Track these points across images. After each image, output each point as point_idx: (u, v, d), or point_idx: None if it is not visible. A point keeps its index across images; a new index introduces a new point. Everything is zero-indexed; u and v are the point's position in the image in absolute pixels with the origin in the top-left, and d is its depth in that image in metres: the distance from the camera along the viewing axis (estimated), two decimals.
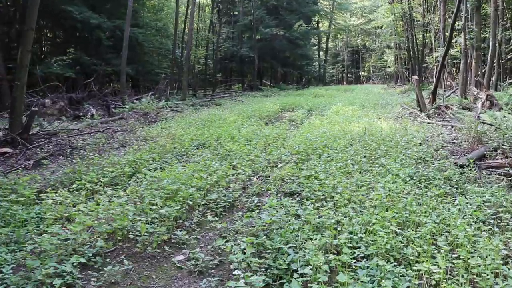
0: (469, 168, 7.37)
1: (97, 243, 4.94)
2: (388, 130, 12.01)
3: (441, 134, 12.00)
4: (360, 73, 79.82)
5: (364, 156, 8.75)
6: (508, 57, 23.72)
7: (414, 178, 6.98)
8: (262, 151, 10.58)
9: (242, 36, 47.19)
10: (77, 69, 25.31)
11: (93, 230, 5.32)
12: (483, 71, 22.27)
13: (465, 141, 10.18)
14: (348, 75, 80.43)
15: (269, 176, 8.26)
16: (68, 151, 11.24)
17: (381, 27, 54.24)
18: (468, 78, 19.21)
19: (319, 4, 60.86)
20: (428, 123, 14.07)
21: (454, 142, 10.36)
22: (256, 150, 10.47)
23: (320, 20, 70.26)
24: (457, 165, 7.56)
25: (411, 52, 39.16)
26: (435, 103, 17.29)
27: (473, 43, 17.60)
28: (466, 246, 4.29)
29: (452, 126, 13.24)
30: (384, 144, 9.61)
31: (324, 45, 73.49)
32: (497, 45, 18.26)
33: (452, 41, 16.96)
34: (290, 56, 48.75)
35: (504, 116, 13.10)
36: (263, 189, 7.63)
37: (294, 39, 46.79)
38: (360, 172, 7.71)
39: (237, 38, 47.09)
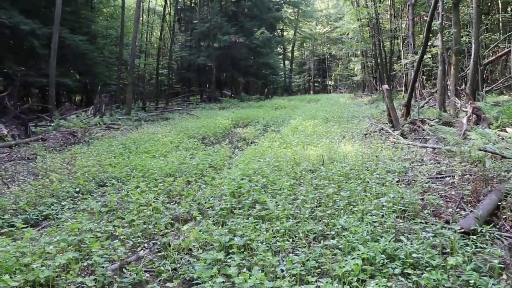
0: (485, 239, 4.48)
1: None
2: (354, 157, 9.10)
3: (422, 161, 9.15)
4: (327, 82, 77.56)
5: (313, 210, 5.78)
6: (485, 62, 21.30)
7: (394, 262, 4.05)
8: (178, 194, 7.55)
9: (200, 44, 44.02)
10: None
11: None
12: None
13: (459, 176, 7.29)
14: (315, 84, 78.03)
15: (169, 245, 5.23)
16: None
17: (347, 34, 51.97)
18: (446, 87, 16.57)
19: (283, 11, 58.23)
20: (404, 143, 11.24)
21: (443, 177, 7.47)
22: (164, 194, 7.47)
23: (284, 28, 67.89)
24: (462, 233, 4.63)
25: (379, 60, 36.74)
26: (409, 117, 14.55)
27: (451, 46, 14.98)
28: None
29: (433, 149, 10.44)
30: (347, 185, 6.64)
31: (289, 54, 71.04)
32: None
33: (428, 43, 14.26)
34: (252, 65, 45.71)
35: (499, 135, 10.38)
36: (151, 271, 4.66)
37: (255, 47, 43.82)
38: (305, 246, 4.75)
39: (195, 46, 43.92)
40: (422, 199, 6.16)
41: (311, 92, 72.42)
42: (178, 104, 37.45)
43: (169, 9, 44.98)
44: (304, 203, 5.97)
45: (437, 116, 14.25)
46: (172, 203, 6.96)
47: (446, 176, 7.48)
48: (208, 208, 6.24)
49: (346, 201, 5.78)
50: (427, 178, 7.26)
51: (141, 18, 40.74)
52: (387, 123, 15.19)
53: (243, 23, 43.96)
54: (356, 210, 5.45)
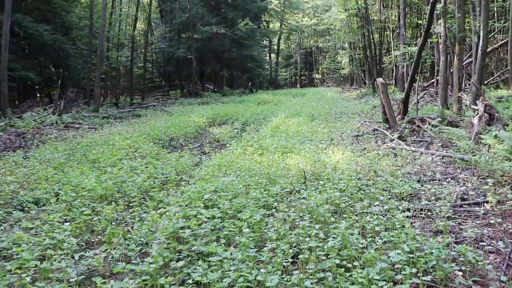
0: None
1: None
2: (346, 171, 7.04)
3: (434, 175, 7.11)
4: (314, 76, 75.53)
5: (286, 271, 3.71)
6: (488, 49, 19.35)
7: None
8: (103, 232, 5.47)
9: (180, 36, 41.69)
10: None
11: None
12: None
13: (493, 204, 5.28)
14: (302, 78, 75.96)
15: None
16: None
17: (334, 25, 49.91)
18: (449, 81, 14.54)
19: (268, 1, 55.80)
20: (404, 149, 9.20)
21: (469, 204, 5.45)
22: (83, 231, 5.40)
23: (270, 20, 65.62)
24: None
25: (368, 52, 34.73)
26: (408, 116, 12.57)
27: (454, 33, 13.00)
28: None
29: (442, 157, 8.43)
30: (337, 226, 4.55)
31: (275, 47, 68.88)
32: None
33: (430, 29, 12.16)
34: (235, 57, 43.36)
35: None
36: None
37: (238, 38, 41.46)
38: None
39: (175, 38, 41.57)
40: (448, 246, 4.13)
41: (298, 86, 70.38)
42: (157, 99, 35.33)
43: None
44: (272, 259, 3.92)
45: (439, 114, 12.27)
46: (88, 249, 4.90)
47: (473, 203, 5.46)
48: (117, 273, 4.13)
49: (337, 259, 3.71)
50: (448, 207, 5.20)
51: (121, 9, 38.47)
52: (381, 122, 13.18)
53: (226, 14, 41.65)
54: (353, 279, 3.40)
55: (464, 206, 5.43)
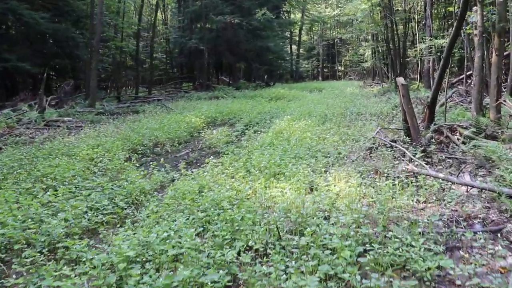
0: None
1: None
2: (343, 220, 4.93)
3: (470, 224, 4.99)
4: (337, 68, 72.78)
5: None
6: None
7: None
8: None
9: (194, 26, 39.62)
10: None
11: None
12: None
13: None
14: (324, 70, 73.17)
15: None
16: None
17: (356, 16, 47.26)
18: (485, 80, 12.18)
19: None
20: (428, 174, 7.00)
21: None
22: None
23: (291, 10, 63.08)
24: None
25: (391, 44, 32.22)
26: (434, 124, 10.33)
27: (494, 23, 10.67)
28: None
29: (481, 189, 6.24)
30: None
31: (297, 38, 66.39)
32: None
33: (465, 18, 9.77)
34: (252, 49, 40.90)
35: None
36: None
37: (254, 29, 39.14)
38: None
39: (187, 28, 39.51)
40: None
41: (320, 78, 67.76)
42: (167, 92, 33.57)
43: None
44: None
45: (473, 123, 10.02)
46: None
47: None
48: None
49: None
50: None
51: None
52: (401, 129, 10.93)
53: (241, 3, 39.32)
54: None
55: None
